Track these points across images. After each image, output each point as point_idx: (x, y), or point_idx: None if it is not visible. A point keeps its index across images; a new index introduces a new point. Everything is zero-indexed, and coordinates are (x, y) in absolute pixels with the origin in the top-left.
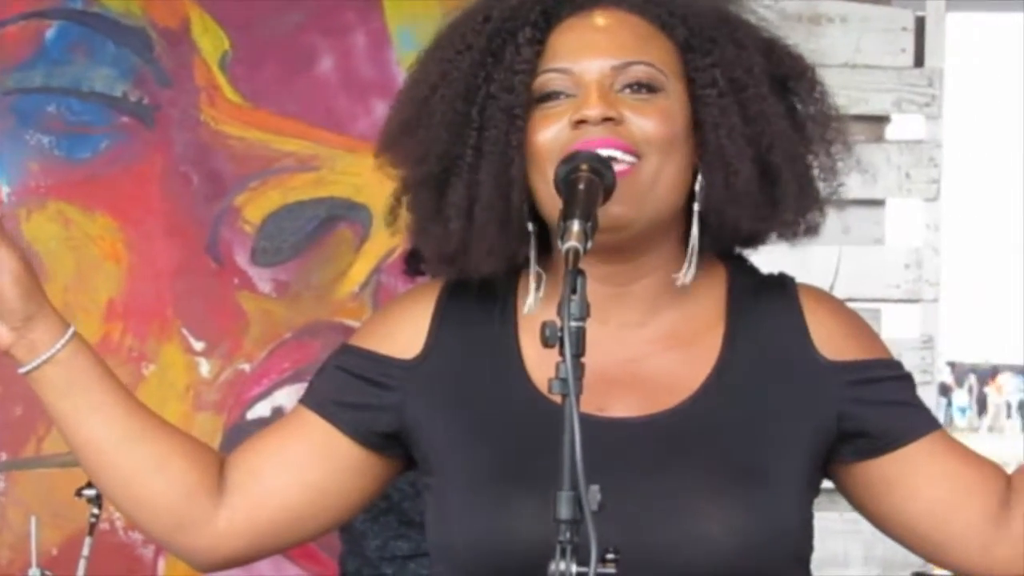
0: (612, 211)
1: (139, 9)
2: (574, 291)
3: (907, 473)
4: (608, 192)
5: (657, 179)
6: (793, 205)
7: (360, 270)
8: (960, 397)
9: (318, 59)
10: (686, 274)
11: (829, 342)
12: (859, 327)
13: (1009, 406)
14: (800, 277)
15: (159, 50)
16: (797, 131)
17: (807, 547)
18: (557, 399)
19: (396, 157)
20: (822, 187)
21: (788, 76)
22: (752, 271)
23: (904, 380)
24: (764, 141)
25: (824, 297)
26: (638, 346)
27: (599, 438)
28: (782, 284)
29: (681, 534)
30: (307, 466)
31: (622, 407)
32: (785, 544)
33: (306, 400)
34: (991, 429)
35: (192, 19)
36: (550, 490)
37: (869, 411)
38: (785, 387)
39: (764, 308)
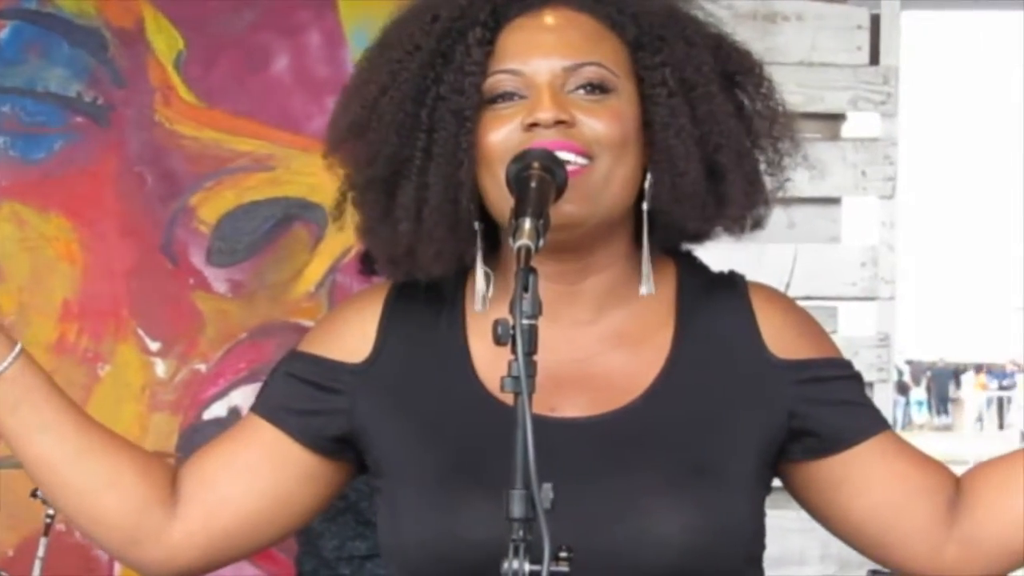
0: (565, 210)
1: (93, 9)
2: (526, 289)
3: (856, 473)
4: (560, 190)
5: (610, 179)
6: (740, 204)
7: (315, 270)
8: (918, 394)
9: (273, 59)
10: (646, 284)
11: (779, 340)
12: (809, 325)
13: (982, 405)
14: (755, 275)
15: (113, 50)
16: (744, 128)
17: (759, 546)
18: (507, 399)
19: (345, 158)
20: (769, 183)
21: (736, 72)
22: (702, 269)
23: (853, 380)
24: (713, 141)
25: (774, 295)
26: (588, 345)
27: (550, 439)
28: (732, 282)
29: (633, 534)
30: (260, 473)
31: (572, 407)
32: (737, 543)
33: (257, 407)
34: (960, 428)
35: (146, 19)
36: (501, 491)
37: (819, 410)
38: (735, 385)
39: (714, 306)
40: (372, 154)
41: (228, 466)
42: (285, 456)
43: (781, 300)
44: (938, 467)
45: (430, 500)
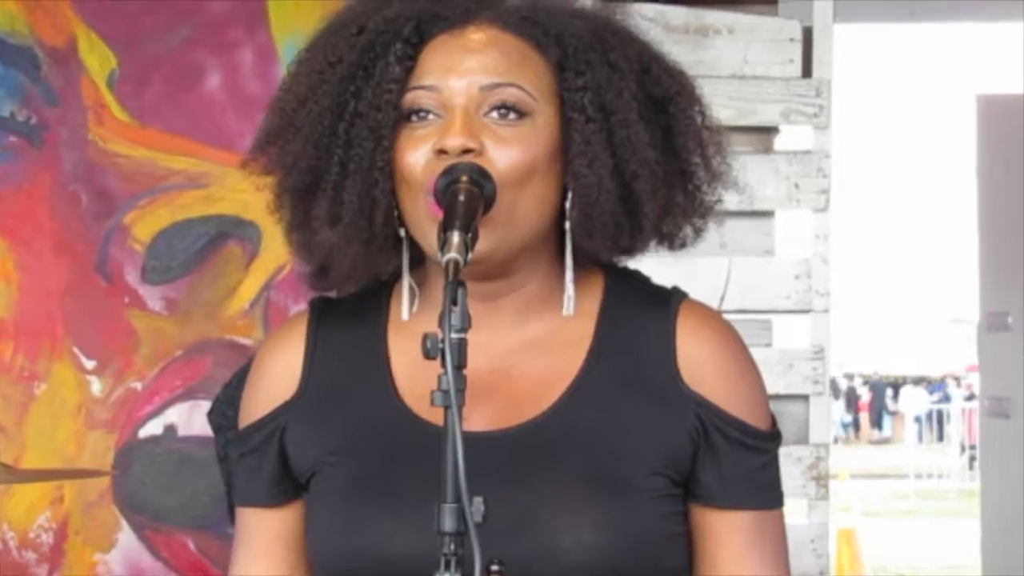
0: (479, 247)
1: (25, 28)
2: (455, 302)
3: (708, 534)
4: (489, 203)
5: (513, 211)
6: (651, 234)
7: (250, 287)
8: (856, 408)
9: (205, 76)
10: (567, 305)
11: (694, 372)
12: (734, 371)
13: (919, 418)
14: (689, 289)
15: (46, 69)
16: (672, 152)
17: (674, 557)
18: (424, 413)
19: (264, 165)
20: (706, 199)
21: (664, 97)
22: (635, 281)
23: (761, 452)
24: (629, 170)
25: (707, 328)
26: (503, 356)
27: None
28: (665, 301)
29: (531, 551)
30: (284, 557)
31: (481, 420)
32: (643, 555)
33: (237, 500)
34: (901, 441)
35: (79, 37)
36: (411, 505)
37: (705, 458)
38: (645, 403)
39: (637, 323)
40: (289, 163)
41: None
42: (284, 526)
43: (712, 334)
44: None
45: (339, 516)
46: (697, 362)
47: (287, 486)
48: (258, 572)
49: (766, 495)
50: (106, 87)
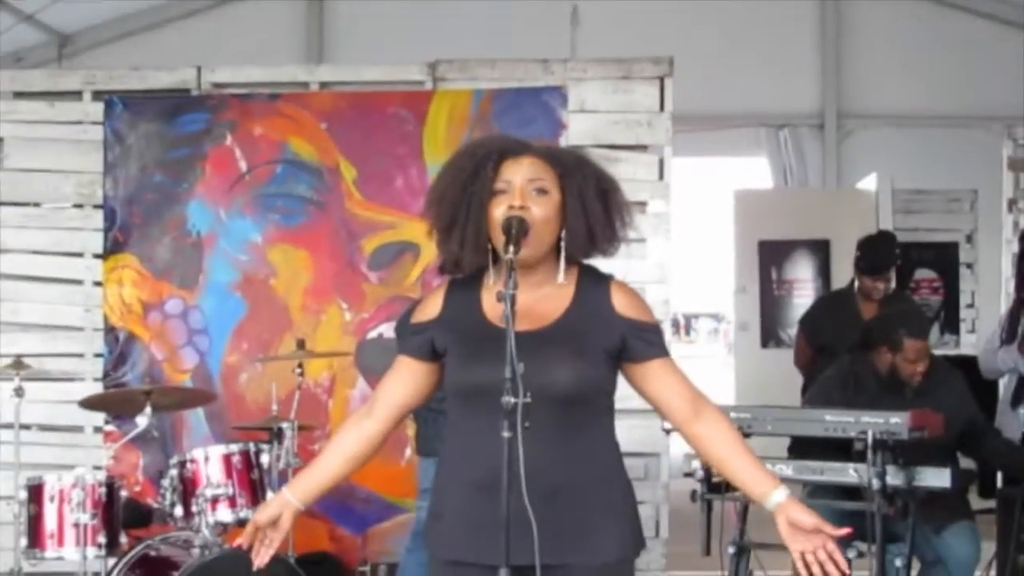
0: (522, 253)
1: (315, 157)
2: (510, 276)
3: (646, 374)
4: (526, 233)
5: (540, 237)
6: (604, 250)
7: (415, 273)
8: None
9: (395, 179)
10: (561, 277)
11: (621, 306)
12: (640, 304)
13: (707, 332)
14: (607, 271)
15: (325, 176)
16: (608, 215)
17: (610, 387)
18: (497, 324)
19: (429, 215)
20: (620, 238)
21: (606, 189)
22: (594, 270)
23: (656, 333)
24: (589, 222)
25: (625, 288)
26: (534, 299)
27: (513, 341)
28: (605, 278)
29: (546, 379)
30: (407, 381)
31: (523, 325)
32: (595, 384)
33: (401, 351)
34: (698, 342)
35: (340, 161)
36: (493, 362)
37: (633, 341)
38: (598, 321)
39: (593, 286)
40: (440, 215)
41: (393, 389)
42: (416, 368)
43: (627, 291)
44: (687, 390)
45: (459, 367)
46: (622, 303)
47: (427, 352)
48: (398, 383)
49: (664, 350)
50: (352, 184)
